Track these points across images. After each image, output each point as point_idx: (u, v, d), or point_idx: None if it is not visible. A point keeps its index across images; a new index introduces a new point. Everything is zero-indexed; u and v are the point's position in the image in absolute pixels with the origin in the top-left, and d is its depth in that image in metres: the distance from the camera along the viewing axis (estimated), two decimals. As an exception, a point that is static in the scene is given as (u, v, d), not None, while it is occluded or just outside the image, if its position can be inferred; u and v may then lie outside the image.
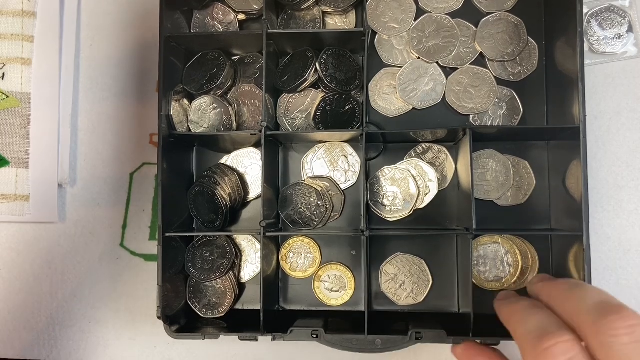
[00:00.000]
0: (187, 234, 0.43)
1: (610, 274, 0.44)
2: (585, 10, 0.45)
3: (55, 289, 0.47)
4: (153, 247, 0.47)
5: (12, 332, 0.47)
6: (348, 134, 0.43)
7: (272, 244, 0.44)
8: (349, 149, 0.45)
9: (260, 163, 0.44)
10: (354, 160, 0.45)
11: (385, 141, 0.45)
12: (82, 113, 0.48)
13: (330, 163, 0.45)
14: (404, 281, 0.44)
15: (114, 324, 0.47)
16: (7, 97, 0.46)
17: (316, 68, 0.43)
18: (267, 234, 0.40)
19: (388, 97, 0.45)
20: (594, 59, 0.45)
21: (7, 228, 0.48)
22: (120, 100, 0.48)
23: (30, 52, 0.46)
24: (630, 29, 0.45)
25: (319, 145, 0.45)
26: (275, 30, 0.41)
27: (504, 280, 0.43)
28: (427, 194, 0.44)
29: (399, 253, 0.44)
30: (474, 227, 0.38)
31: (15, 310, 0.47)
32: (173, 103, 0.43)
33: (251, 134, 0.41)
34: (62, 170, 0.47)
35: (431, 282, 0.44)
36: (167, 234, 0.40)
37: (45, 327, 0.47)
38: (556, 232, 0.41)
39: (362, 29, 0.41)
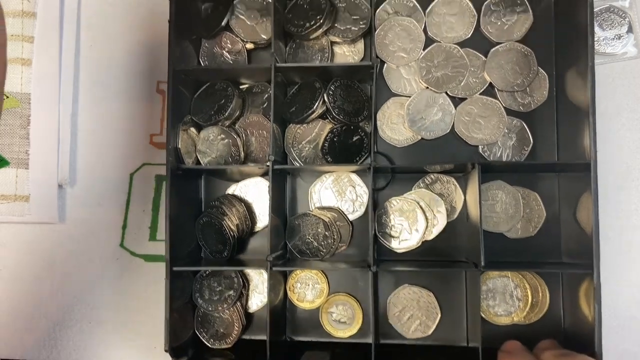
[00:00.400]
0: (195, 268, 0.43)
1: (610, 274, 0.43)
2: None
3: (55, 289, 0.47)
4: (153, 248, 0.47)
5: (12, 333, 0.47)
6: (356, 165, 0.42)
7: (280, 274, 0.44)
8: (356, 179, 0.45)
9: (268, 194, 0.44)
10: (362, 191, 0.45)
11: (393, 171, 0.45)
12: (82, 113, 0.48)
13: (338, 193, 0.45)
14: (412, 313, 0.44)
15: (114, 325, 0.47)
16: (7, 97, 0.46)
17: (324, 99, 0.43)
18: (274, 268, 0.40)
19: (396, 126, 0.45)
20: (594, 59, 0.45)
21: (7, 228, 0.48)
22: (121, 101, 0.48)
23: (30, 53, 0.47)
24: (630, 30, 0.45)
25: (326, 175, 0.45)
26: (284, 65, 0.41)
27: (513, 315, 0.42)
28: (435, 225, 0.44)
29: (407, 285, 0.44)
30: (482, 263, 0.38)
31: (15, 311, 0.47)
32: (181, 133, 0.43)
33: (259, 168, 0.41)
34: (62, 171, 0.47)
35: (440, 314, 0.43)
36: (175, 268, 0.40)
37: (45, 328, 0.47)
38: (566, 270, 0.41)
39: (370, 63, 0.40)
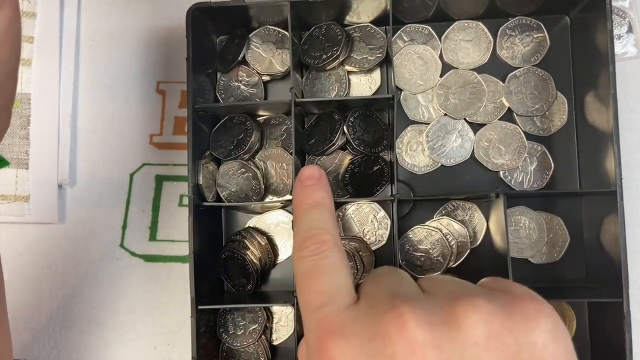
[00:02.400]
0: (221, 306, 0.43)
1: None
2: None
3: (55, 289, 0.47)
4: (153, 248, 0.47)
5: (12, 333, 0.46)
6: (379, 198, 0.42)
7: (304, 307, 0.43)
8: (377, 208, 0.45)
9: (289, 225, 0.44)
10: (384, 220, 0.44)
11: (415, 199, 0.44)
12: (82, 113, 0.48)
13: (359, 223, 0.45)
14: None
15: (114, 325, 0.47)
16: (8, 97, 0.46)
17: (344, 131, 0.43)
18: (301, 304, 0.40)
19: (416, 154, 0.45)
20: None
21: (6, 228, 0.48)
22: (121, 101, 0.48)
23: (30, 53, 0.46)
24: (630, 30, 0.44)
25: (347, 205, 0.45)
26: (304, 100, 0.41)
27: (541, 342, 0.42)
28: (459, 252, 0.43)
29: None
30: (511, 294, 0.38)
31: (14, 311, 0.47)
32: (201, 168, 0.43)
33: (280, 204, 0.41)
34: (62, 171, 0.47)
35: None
36: (201, 307, 0.40)
37: (45, 328, 0.47)
38: (594, 300, 0.41)
39: (390, 95, 0.40)
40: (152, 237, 0.47)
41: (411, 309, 0.25)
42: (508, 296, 0.26)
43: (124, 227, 0.47)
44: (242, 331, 0.43)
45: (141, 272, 0.47)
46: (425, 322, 0.24)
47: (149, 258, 0.47)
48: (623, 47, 0.44)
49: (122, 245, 0.47)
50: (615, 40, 0.43)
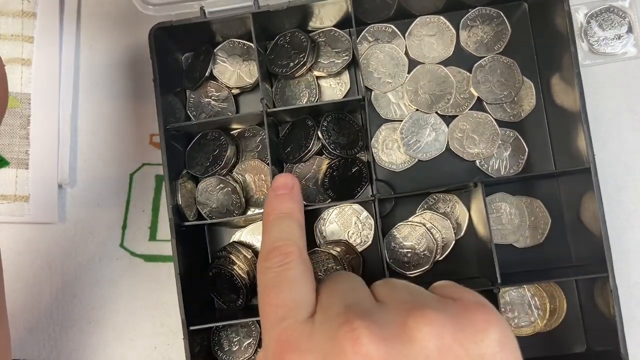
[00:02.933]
0: (212, 325, 0.42)
1: None
2: (585, 11, 0.45)
3: (55, 289, 0.47)
4: (153, 248, 0.47)
5: (12, 333, 0.45)
6: (360, 199, 0.42)
7: (297, 316, 0.43)
8: (360, 209, 0.45)
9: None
10: (367, 220, 0.45)
11: (396, 196, 0.45)
12: (82, 113, 0.48)
13: (343, 226, 0.45)
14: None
15: (114, 325, 0.46)
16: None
17: (319, 137, 0.43)
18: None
19: (392, 152, 0.45)
20: (594, 59, 0.45)
21: (6, 228, 0.47)
22: (121, 101, 0.48)
23: (30, 53, 0.46)
24: (630, 30, 0.45)
25: (330, 209, 0.45)
26: (275, 109, 0.41)
27: (534, 324, 0.42)
28: (444, 245, 0.44)
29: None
30: (499, 280, 0.38)
31: (14, 311, 0.46)
32: (179, 188, 0.42)
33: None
34: (62, 171, 0.46)
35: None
36: (192, 328, 0.40)
37: (45, 328, 0.46)
38: (580, 277, 0.41)
39: (360, 97, 0.41)
40: (152, 237, 0.47)
41: (364, 323, 0.25)
42: (458, 305, 0.27)
43: (124, 227, 0.47)
44: (238, 347, 0.43)
45: (141, 272, 0.47)
46: (379, 336, 0.25)
47: (149, 258, 0.47)
48: (623, 47, 0.45)
49: (122, 245, 0.47)
50: (615, 40, 0.45)
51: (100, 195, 0.47)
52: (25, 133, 0.46)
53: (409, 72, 0.45)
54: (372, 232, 0.44)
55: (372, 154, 0.43)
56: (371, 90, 0.45)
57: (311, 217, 0.45)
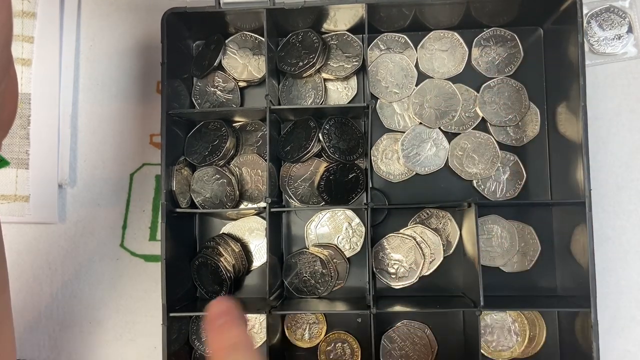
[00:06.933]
0: (193, 314, 0.42)
1: (610, 275, 0.44)
2: (585, 11, 0.45)
3: (55, 289, 0.47)
4: (153, 248, 0.47)
5: None
6: (353, 205, 0.42)
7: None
8: (352, 215, 0.45)
9: (263, 232, 0.44)
10: (358, 227, 0.45)
11: (389, 207, 0.45)
12: (82, 113, 0.48)
13: (334, 230, 0.45)
14: (408, 350, 0.44)
15: (114, 325, 0.46)
16: (7, 96, 0.45)
17: (319, 139, 0.43)
18: (273, 312, 0.40)
19: (391, 162, 0.45)
20: (594, 59, 0.45)
21: (7, 228, 0.47)
22: (121, 101, 0.48)
23: (30, 53, 0.46)
24: (630, 30, 0.45)
25: (322, 212, 0.45)
26: (279, 107, 0.41)
27: (512, 350, 0.42)
28: (432, 260, 0.44)
29: (405, 321, 0.44)
30: (482, 303, 0.38)
31: (15, 311, 0.46)
32: (175, 174, 0.42)
33: (255, 211, 0.40)
34: (62, 171, 0.46)
35: (437, 349, 0.43)
36: (172, 314, 0.40)
37: (45, 327, 0.46)
38: (564, 309, 0.41)
39: (365, 104, 0.41)
40: (152, 237, 0.47)
41: None
42: None
43: (124, 227, 0.47)
44: (215, 338, 0.43)
45: (141, 272, 0.47)
46: None
47: (149, 258, 0.47)
48: (623, 47, 0.45)
49: (122, 245, 0.47)
50: (615, 40, 0.44)
51: (100, 195, 0.47)
52: (25, 133, 0.46)
53: (417, 85, 0.45)
54: (362, 239, 0.44)
55: (371, 162, 0.43)
56: (377, 99, 0.45)
57: (304, 217, 0.45)
